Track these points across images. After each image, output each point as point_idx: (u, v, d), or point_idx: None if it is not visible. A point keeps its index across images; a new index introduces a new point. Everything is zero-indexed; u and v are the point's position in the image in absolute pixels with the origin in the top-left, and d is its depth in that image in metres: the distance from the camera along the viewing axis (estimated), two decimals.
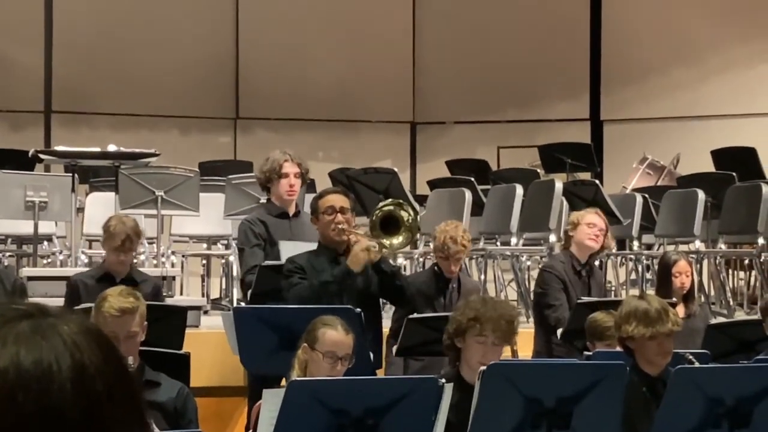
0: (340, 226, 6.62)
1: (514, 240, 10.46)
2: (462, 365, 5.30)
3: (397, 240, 6.72)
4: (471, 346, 5.25)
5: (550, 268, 8.07)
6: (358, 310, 5.95)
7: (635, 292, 9.39)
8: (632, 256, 10.93)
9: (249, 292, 7.26)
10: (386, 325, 7.23)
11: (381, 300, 7.05)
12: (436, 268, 7.74)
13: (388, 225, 6.70)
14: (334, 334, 5.28)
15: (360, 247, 6.49)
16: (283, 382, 5.91)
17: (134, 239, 7.51)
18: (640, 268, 10.72)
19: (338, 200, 6.76)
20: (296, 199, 7.73)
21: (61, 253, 11.01)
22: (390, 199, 7.29)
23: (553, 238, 10.19)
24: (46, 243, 11.15)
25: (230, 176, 10.13)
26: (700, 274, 9.99)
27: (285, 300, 6.52)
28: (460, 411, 4.80)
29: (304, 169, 7.68)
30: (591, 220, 7.98)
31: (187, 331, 6.76)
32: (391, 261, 7.22)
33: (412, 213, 6.77)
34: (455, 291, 7.59)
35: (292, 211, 7.64)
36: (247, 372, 7.21)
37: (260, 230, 7.51)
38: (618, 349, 5.56)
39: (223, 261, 10.88)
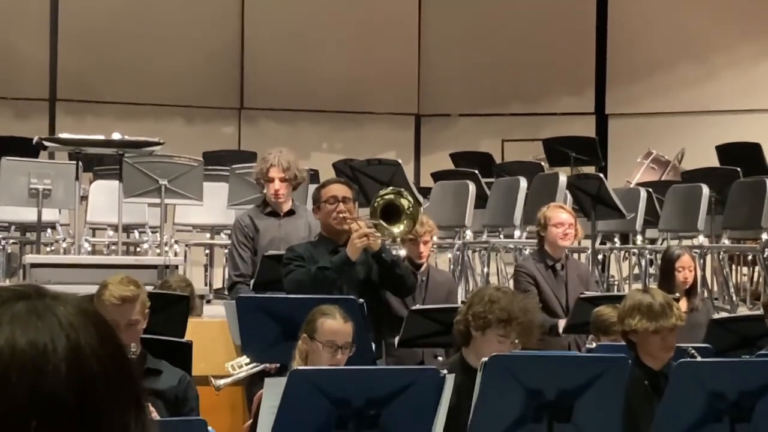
0: (341, 215, 6.60)
1: (517, 233, 10.45)
2: (469, 352, 5.28)
3: (398, 228, 6.69)
4: (490, 340, 5.21)
5: (521, 267, 8.02)
6: (361, 300, 5.94)
7: (638, 286, 9.38)
8: (636, 251, 10.91)
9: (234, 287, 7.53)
10: None
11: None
12: (405, 261, 7.58)
13: (390, 214, 6.67)
14: (333, 323, 5.27)
15: (358, 234, 6.48)
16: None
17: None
18: (643, 263, 10.69)
19: (340, 190, 6.75)
20: (287, 199, 7.68)
21: (64, 240, 11.03)
22: (390, 188, 7.18)
23: None
24: (49, 230, 11.17)
25: (234, 166, 10.13)
26: (703, 269, 9.97)
27: (284, 289, 6.52)
28: (462, 393, 4.78)
29: (291, 175, 7.58)
30: (558, 220, 7.75)
31: (190, 319, 6.75)
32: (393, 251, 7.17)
33: (412, 201, 6.73)
34: (424, 284, 7.41)
35: (284, 210, 7.66)
36: None
37: (249, 230, 7.61)
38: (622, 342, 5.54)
39: (227, 250, 10.86)
